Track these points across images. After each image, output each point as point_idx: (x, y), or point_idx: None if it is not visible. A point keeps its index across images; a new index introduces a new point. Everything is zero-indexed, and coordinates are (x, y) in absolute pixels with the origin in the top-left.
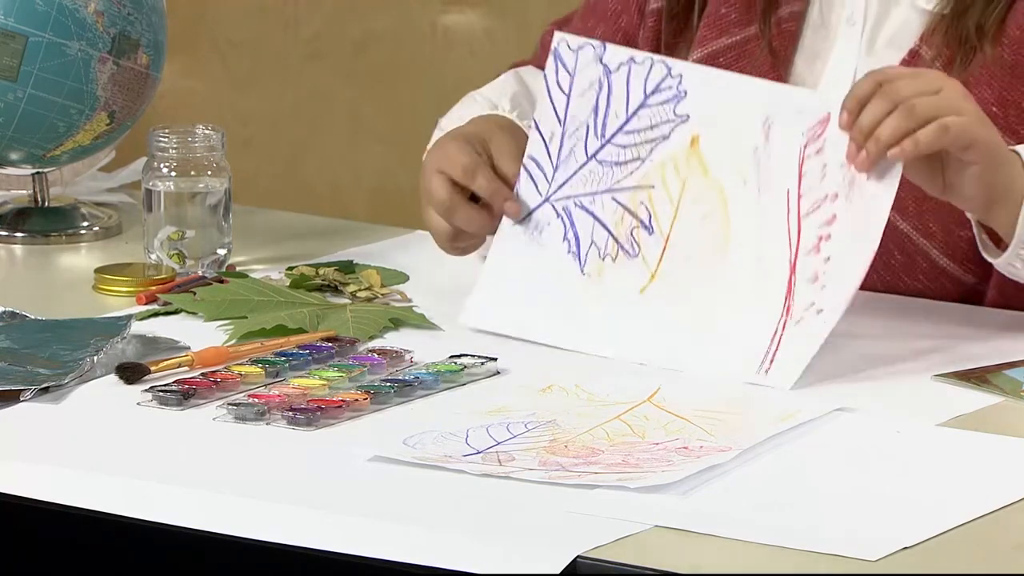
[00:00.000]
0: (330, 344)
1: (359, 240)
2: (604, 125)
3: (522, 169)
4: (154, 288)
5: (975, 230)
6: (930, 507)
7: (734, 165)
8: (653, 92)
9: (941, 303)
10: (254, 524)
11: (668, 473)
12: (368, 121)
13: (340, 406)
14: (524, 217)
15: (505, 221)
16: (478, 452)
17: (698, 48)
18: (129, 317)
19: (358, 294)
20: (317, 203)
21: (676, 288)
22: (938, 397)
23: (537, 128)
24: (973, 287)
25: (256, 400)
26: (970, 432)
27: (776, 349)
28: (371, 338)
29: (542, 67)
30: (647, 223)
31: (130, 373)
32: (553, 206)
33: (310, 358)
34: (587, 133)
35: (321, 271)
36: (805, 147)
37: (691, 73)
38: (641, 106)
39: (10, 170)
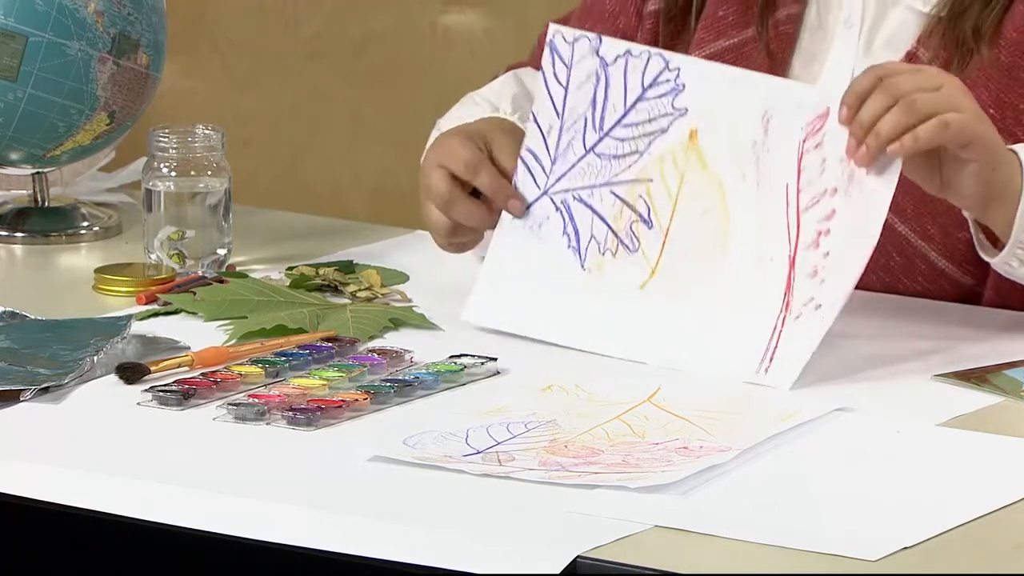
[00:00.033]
0: (330, 344)
1: (359, 240)
2: (602, 118)
3: (519, 161)
4: (154, 288)
5: (972, 229)
6: (930, 507)
7: (733, 159)
8: (651, 85)
9: (941, 303)
10: (254, 524)
11: (668, 473)
12: (368, 121)
13: (340, 406)
14: (526, 208)
15: (504, 216)
16: (478, 452)
17: (696, 50)
18: (129, 317)
19: (358, 294)
20: (317, 203)
21: (676, 284)
22: (938, 397)
23: (535, 120)
24: (972, 288)
25: (256, 400)
26: (970, 432)
27: (775, 347)
28: (371, 338)
29: (540, 68)
30: (646, 217)
31: (130, 373)
32: (552, 199)
33: (310, 358)
34: (585, 126)
35: (321, 271)
36: (804, 141)
37: (689, 66)
38: (639, 99)
39: (10, 170)
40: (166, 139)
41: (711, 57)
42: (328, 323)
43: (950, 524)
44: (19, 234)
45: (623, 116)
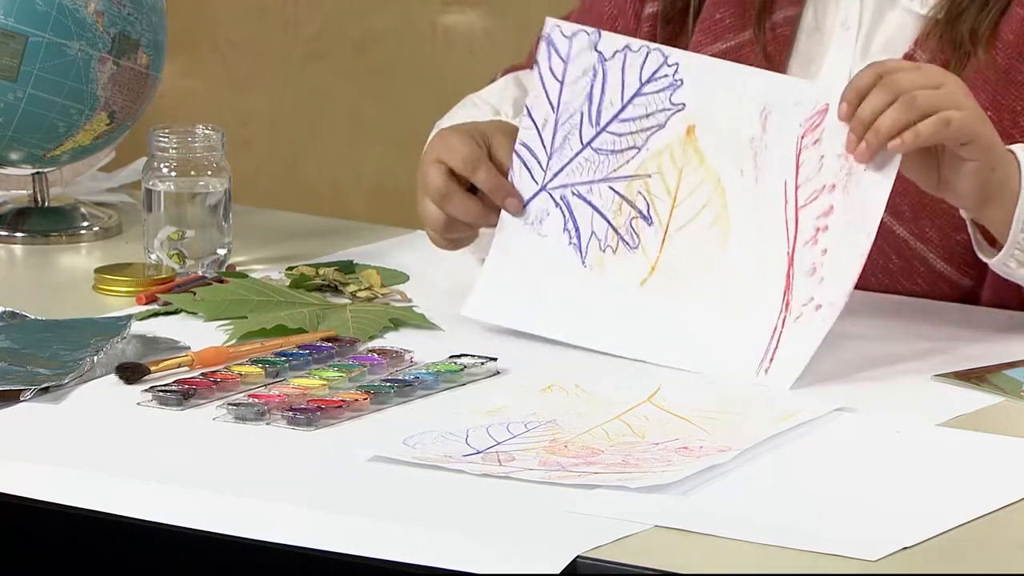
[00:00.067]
0: (330, 344)
1: (359, 240)
2: (599, 113)
3: (514, 156)
4: (154, 288)
5: (970, 229)
6: (930, 507)
7: (731, 155)
8: (649, 80)
9: (941, 303)
10: (254, 524)
11: (668, 473)
12: (368, 121)
13: (340, 406)
14: (523, 206)
15: (505, 213)
16: (478, 452)
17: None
18: (129, 317)
19: (358, 294)
20: (317, 203)
21: (676, 280)
22: (938, 397)
23: (530, 115)
24: (971, 290)
25: (256, 400)
26: (970, 432)
27: (776, 348)
28: (371, 338)
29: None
30: (646, 213)
31: (130, 373)
32: (551, 195)
33: (310, 358)
34: (582, 121)
35: (321, 271)
36: (802, 137)
37: (687, 62)
38: (636, 94)
39: (10, 170)
40: (166, 139)
41: None
42: (328, 323)
43: (950, 524)
44: (19, 234)
45: (620, 111)
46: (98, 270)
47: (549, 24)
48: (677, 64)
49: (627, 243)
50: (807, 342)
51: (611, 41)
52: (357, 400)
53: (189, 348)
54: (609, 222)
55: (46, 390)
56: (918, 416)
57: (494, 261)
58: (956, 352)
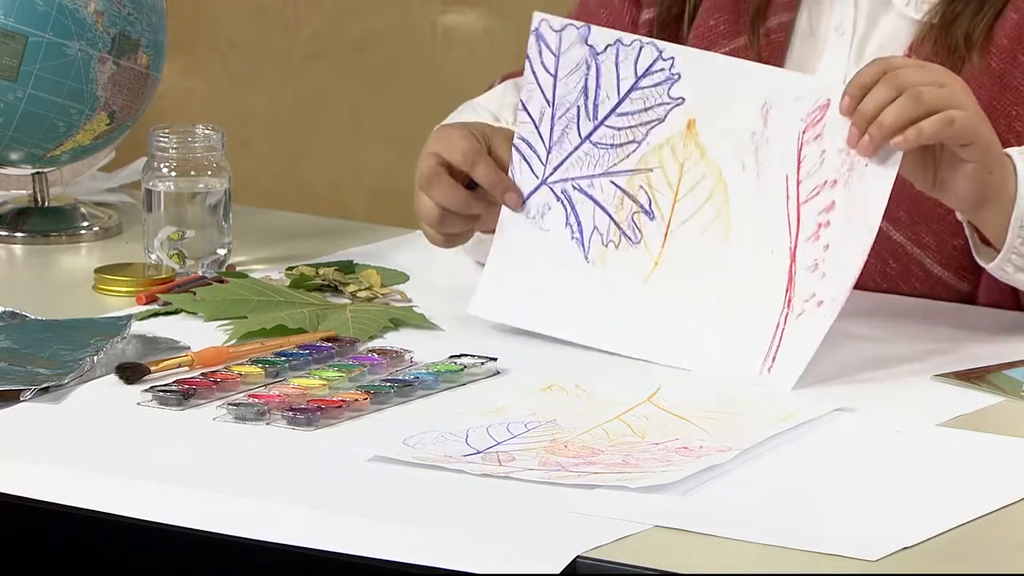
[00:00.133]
0: (330, 344)
1: (359, 240)
2: (596, 106)
3: (513, 150)
4: (154, 288)
5: (967, 232)
6: (930, 507)
7: (732, 149)
8: (644, 74)
9: (941, 303)
10: (254, 524)
11: (668, 473)
12: (368, 121)
13: (340, 406)
14: (523, 201)
15: (506, 210)
16: (478, 452)
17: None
18: (129, 317)
19: (358, 294)
20: (317, 203)
21: (678, 275)
22: (938, 397)
23: (525, 109)
24: (969, 294)
25: (256, 400)
26: (970, 432)
27: (778, 346)
28: (371, 338)
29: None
30: (647, 208)
31: (130, 373)
32: (551, 189)
33: (310, 358)
34: (579, 114)
35: (321, 271)
36: (804, 133)
37: (684, 56)
38: (633, 88)
39: (10, 170)
40: (166, 139)
41: None
42: (328, 323)
43: (950, 524)
44: (19, 234)
45: (618, 104)
46: (98, 270)
47: (537, 18)
48: (673, 58)
49: (629, 238)
50: (809, 339)
51: (602, 35)
52: (357, 400)
53: (189, 348)
54: (611, 216)
55: (46, 390)
56: (918, 416)
57: (497, 257)
58: (956, 352)
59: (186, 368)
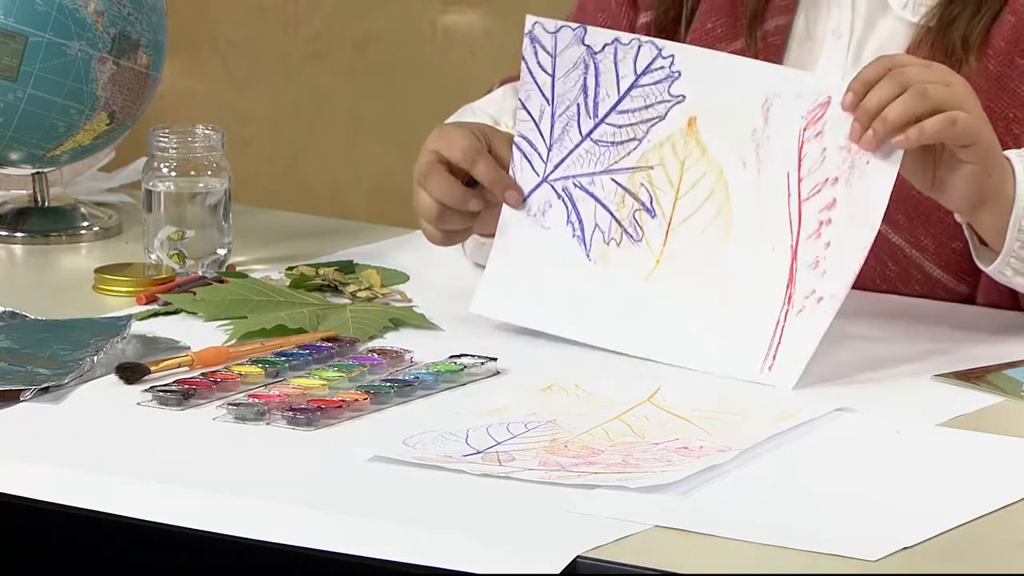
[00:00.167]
0: (330, 344)
1: (359, 240)
2: (596, 104)
3: (514, 148)
4: (154, 288)
5: (967, 234)
6: (930, 507)
7: (733, 147)
8: (644, 72)
9: (941, 303)
10: (254, 524)
11: (668, 473)
12: (368, 121)
13: (340, 406)
14: (524, 198)
15: (506, 208)
16: (478, 452)
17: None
18: (129, 317)
19: (358, 294)
20: (317, 203)
21: (680, 272)
22: (938, 397)
23: (525, 108)
24: (968, 296)
25: (256, 400)
26: (970, 432)
27: (778, 344)
28: (371, 338)
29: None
30: (649, 205)
31: (130, 373)
32: (552, 187)
33: (310, 358)
34: (579, 112)
35: (321, 271)
36: (804, 130)
37: (684, 54)
38: (633, 86)
39: (10, 170)
40: (166, 139)
41: None
42: (328, 323)
43: (950, 524)
44: (19, 234)
45: (618, 102)
46: (98, 270)
47: (530, 21)
48: (673, 56)
49: (631, 236)
50: (809, 336)
51: (599, 35)
52: (357, 400)
53: (189, 348)
54: (612, 214)
55: (46, 390)
56: (918, 416)
57: (498, 256)
58: (956, 352)
59: (186, 368)
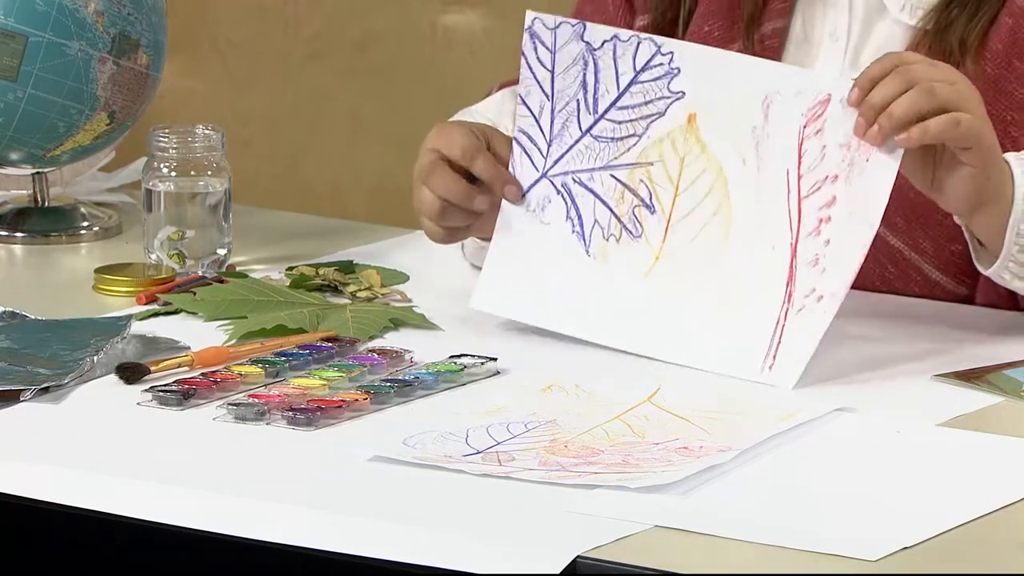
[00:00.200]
0: (330, 344)
1: (359, 240)
2: (596, 100)
3: (514, 143)
4: (154, 288)
5: (967, 236)
6: (930, 507)
7: (733, 144)
8: (644, 69)
9: (940, 303)
10: (254, 524)
11: (668, 473)
12: (368, 121)
13: (340, 406)
14: (523, 194)
15: (506, 204)
16: (478, 452)
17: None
18: (129, 317)
19: (358, 294)
20: (317, 203)
21: (679, 270)
22: (938, 397)
23: (524, 103)
24: (966, 298)
25: (256, 400)
26: (970, 432)
27: (779, 343)
28: (371, 338)
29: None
30: (648, 201)
31: (130, 373)
32: (552, 182)
33: (310, 358)
34: (579, 108)
35: (321, 271)
36: (804, 127)
37: (684, 51)
38: (632, 82)
39: (10, 170)
40: (166, 139)
41: None
42: (328, 323)
43: (950, 524)
44: (19, 234)
45: (617, 98)
46: (98, 270)
47: (530, 16)
48: (672, 53)
49: (630, 232)
50: (809, 335)
51: (598, 32)
52: (357, 400)
53: (189, 348)
54: (612, 210)
55: (46, 390)
56: (918, 416)
57: (497, 251)
58: (956, 352)
59: (186, 368)
